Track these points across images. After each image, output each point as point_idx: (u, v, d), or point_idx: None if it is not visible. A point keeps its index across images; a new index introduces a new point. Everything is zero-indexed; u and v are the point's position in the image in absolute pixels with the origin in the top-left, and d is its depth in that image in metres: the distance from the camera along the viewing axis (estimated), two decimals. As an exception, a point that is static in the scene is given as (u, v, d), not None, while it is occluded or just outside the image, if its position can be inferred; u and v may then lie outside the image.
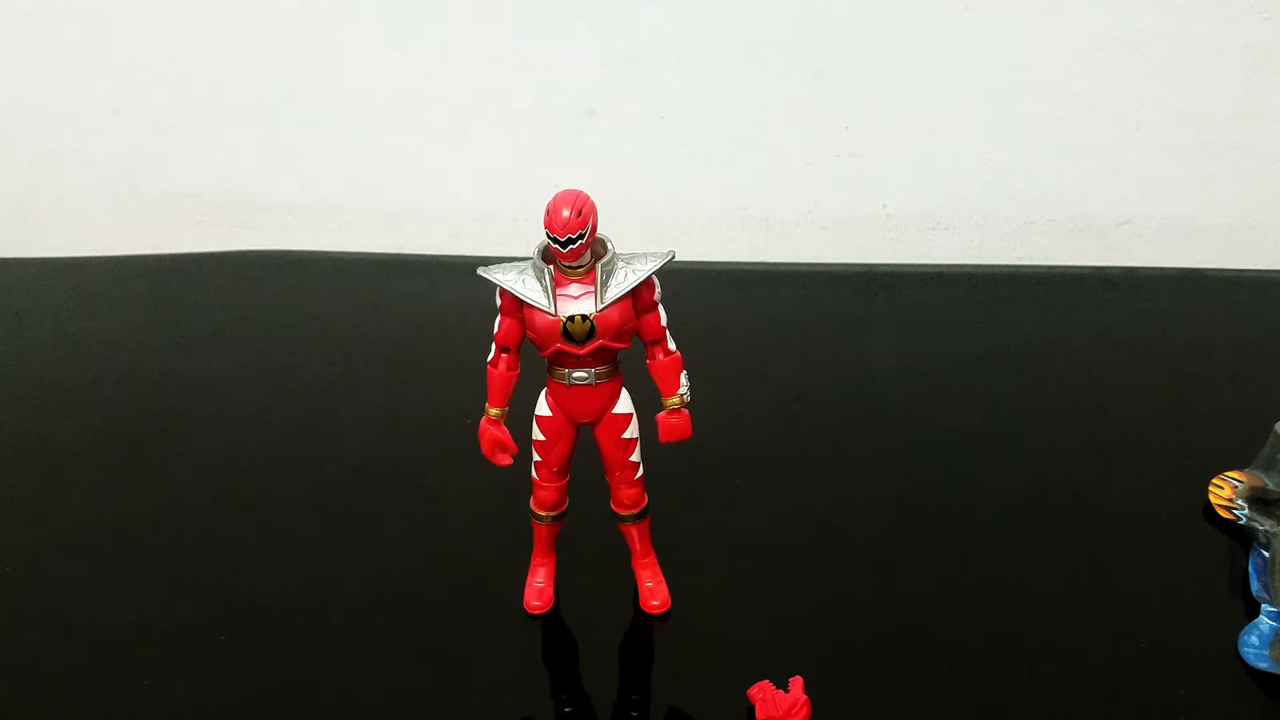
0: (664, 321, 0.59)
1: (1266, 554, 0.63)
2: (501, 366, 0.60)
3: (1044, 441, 0.79)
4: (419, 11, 1.04)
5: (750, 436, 0.80)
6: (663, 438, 0.60)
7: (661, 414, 0.60)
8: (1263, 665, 0.60)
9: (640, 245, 0.60)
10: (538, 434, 0.61)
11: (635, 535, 0.65)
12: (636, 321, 0.58)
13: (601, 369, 0.59)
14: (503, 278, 0.58)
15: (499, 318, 0.59)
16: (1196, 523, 0.71)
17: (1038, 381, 0.86)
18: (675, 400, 0.60)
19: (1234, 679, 0.60)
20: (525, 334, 0.59)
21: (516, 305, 0.58)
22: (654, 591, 0.66)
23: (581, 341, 0.57)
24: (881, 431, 0.81)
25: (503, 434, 0.61)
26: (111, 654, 0.64)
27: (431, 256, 1.10)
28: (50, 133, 1.15)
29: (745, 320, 0.98)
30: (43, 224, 1.19)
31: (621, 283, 0.57)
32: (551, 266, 0.57)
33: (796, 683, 0.59)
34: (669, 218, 1.10)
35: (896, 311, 0.97)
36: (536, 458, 0.62)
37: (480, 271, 0.58)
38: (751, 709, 0.58)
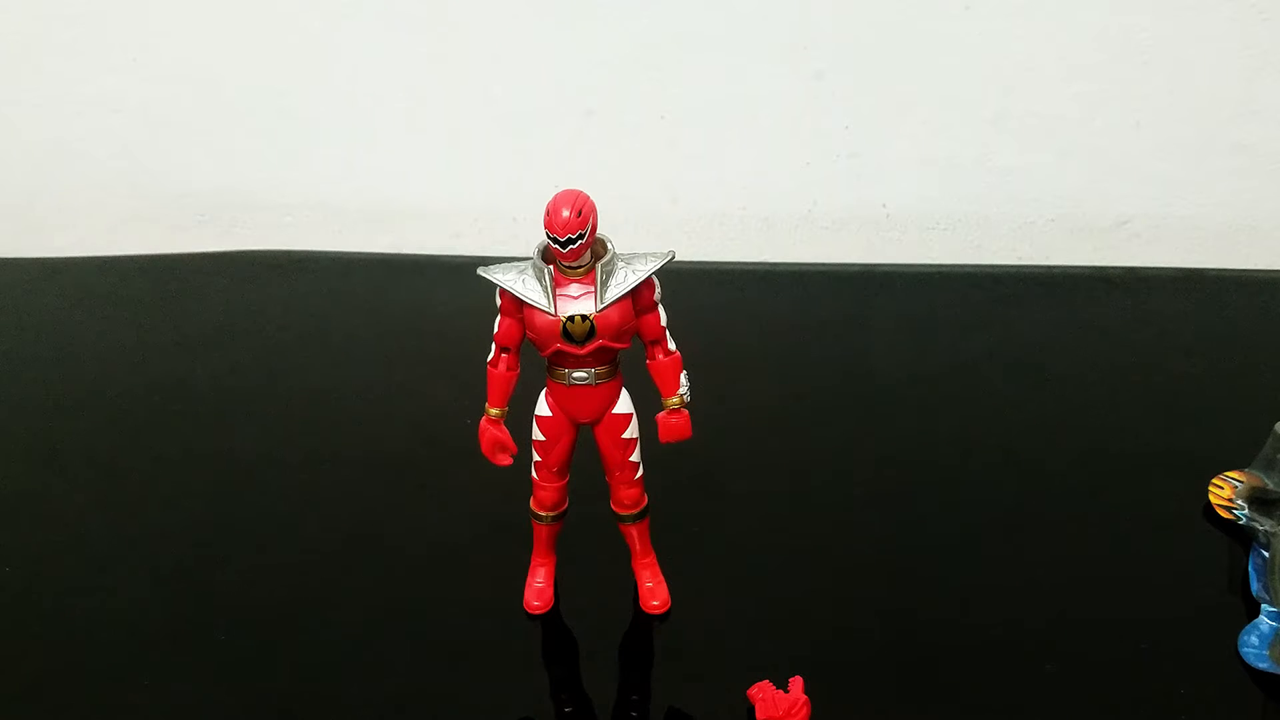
0: (664, 321, 0.59)
1: (1266, 554, 0.63)
2: (501, 366, 0.60)
3: (1044, 441, 0.79)
4: (419, 11, 1.04)
5: (750, 436, 0.80)
6: (663, 438, 0.60)
7: (661, 414, 0.60)
8: (1263, 665, 0.60)
9: (640, 245, 0.60)
10: (538, 434, 0.61)
11: (635, 535, 0.65)
12: (636, 321, 0.58)
13: (601, 369, 0.59)
14: (503, 278, 0.58)
15: (499, 318, 0.59)
16: (1196, 523, 0.71)
17: (1038, 381, 0.86)
18: (675, 400, 0.60)
19: (1234, 679, 0.60)
20: (525, 334, 0.59)
21: (516, 305, 0.58)
22: (654, 591, 0.66)
23: (581, 341, 0.57)
24: (881, 431, 0.81)
25: (503, 434, 0.61)
26: (111, 654, 0.64)
27: (431, 256, 1.10)
28: (50, 133, 1.15)
29: (745, 320, 0.98)
30: (43, 224, 1.19)
31: (621, 283, 0.57)
32: (551, 266, 0.57)
33: (796, 683, 0.59)
34: (669, 218, 1.10)
35: (896, 311, 0.97)
36: (536, 458, 0.62)
37: (480, 271, 0.58)
38: (751, 709, 0.58)
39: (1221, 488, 0.70)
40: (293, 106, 1.10)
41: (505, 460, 0.61)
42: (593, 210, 0.55)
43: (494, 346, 0.60)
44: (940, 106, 1.02)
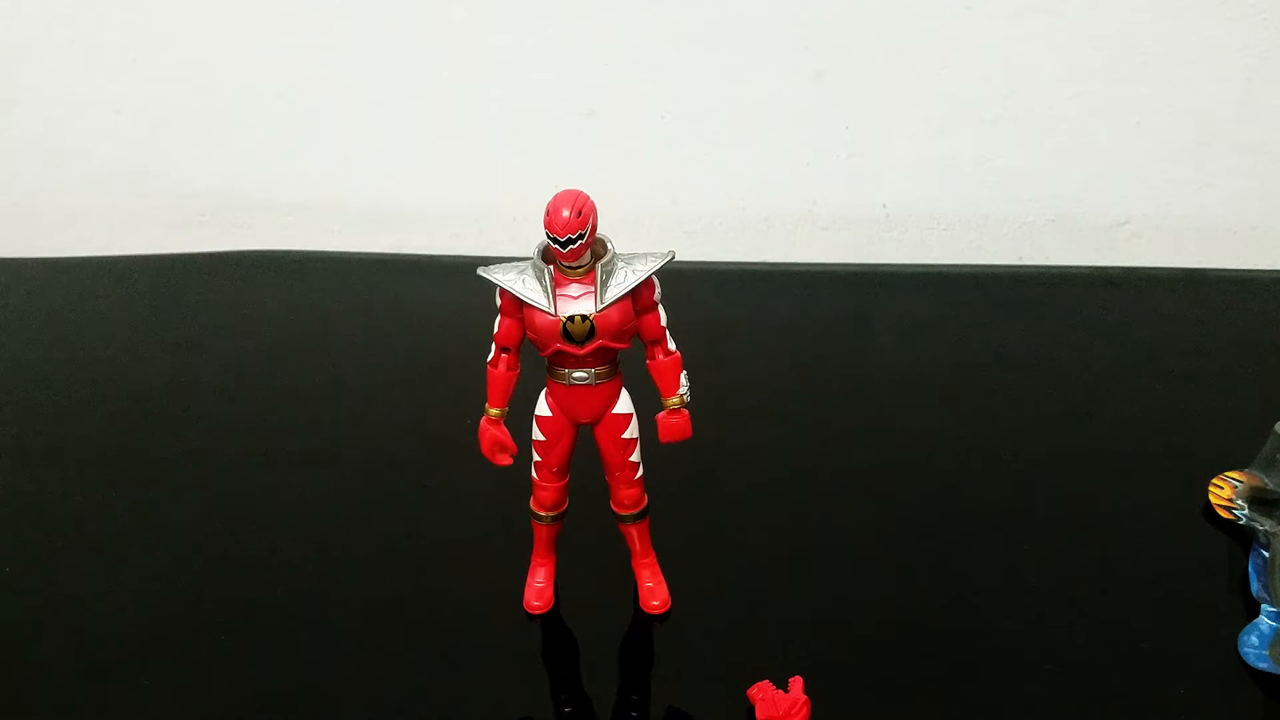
0: (664, 321, 0.59)
1: (1266, 554, 0.63)
2: (501, 366, 0.60)
3: (1044, 441, 0.79)
4: (419, 11, 1.04)
5: (750, 437, 0.80)
6: (663, 438, 0.60)
7: (661, 414, 0.60)
8: (1263, 665, 0.60)
9: (640, 245, 0.60)
10: (538, 434, 0.61)
11: (635, 535, 0.65)
12: (636, 321, 0.58)
13: (601, 369, 0.59)
14: (503, 278, 0.58)
15: (499, 318, 0.59)
16: (1196, 523, 0.71)
17: (1037, 381, 0.86)
18: (675, 400, 0.60)
19: (1234, 679, 0.60)
20: (525, 334, 0.59)
21: (516, 305, 0.58)
22: (654, 591, 0.66)
23: (581, 341, 0.57)
24: (881, 432, 0.81)
25: (503, 434, 0.61)
26: (111, 654, 0.64)
27: (431, 256, 1.10)
28: (50, 133, 1.15)
29: (745, 320, 0.98)
30: (43, 224, 1.19)
31: (621, 283, 0.57)
32: (551, 266, 0.57)
33: (796, 683, 0.59)
34: (669, 218, 1.10)
35: (896, 311, 0.97)
36: (536, 458, 0.62)
37: (480, 271, 0.58)
38: (751, 709, 0.58)
39: (1221, 488, 0.70)
40: (293, 106, 1.10)
41: (505, 460, 0.61)
42: (593, 210, 0.55)
43: (494, 346, 0.60)
44: (940, 106, 1.02)
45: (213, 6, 1.06)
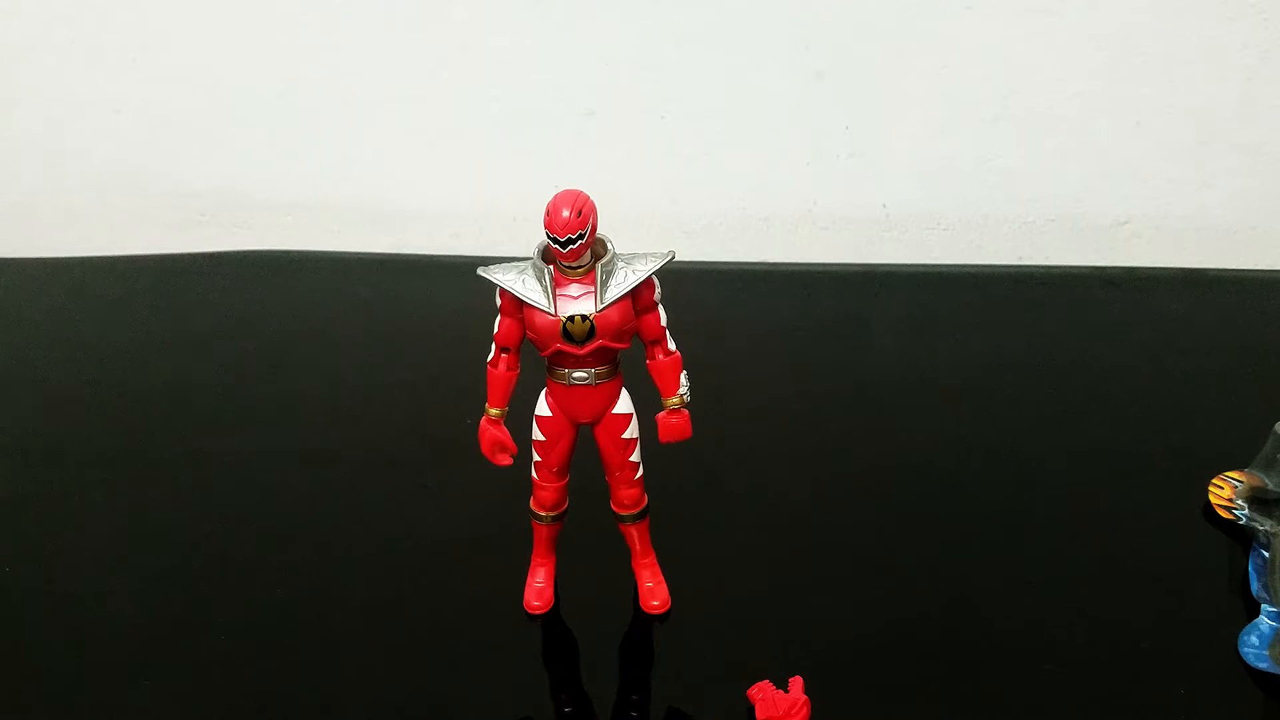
0: (664, 321, 0.59)
1: (1266, 554, 0.63)
2: (501, 366, 0.60)
3: (1043, 441, 0.79)
4: (419, 11, 1.04)
5: (750, 437, 0.80)
6: (663, 438, 0.60)
7: (661, 414, 0.60)
8: (1263, 665, 0.60)
9: (640, 245, 0.60)
10: (538, 434, 0.61)
11: (635, 535, 0.65)
12: (636, 321, 0.58)
13: (601, 369, 0.59)
14: (503, 278, 0.58)
15: (499, 318, 0.59)
16: (1196, 523, 0.71)
17: (1037, 381, 0.86)
18: (675, 400, 0.60)
19: (1234, 679, 0.60)
20: (525, 334, 0.59)
21: (516, 305, 0.58)
22: (654, 591, 0.66)
23: (581, 341, 0.57)
24: (881, 432, 0.81)
25: (503, 434, 0.61)
26: (111, 654, 0.64)
27: (431, 256, 1.10)
28: (50, 133, 1.15)
29: (745, 320, 0.98)
30: (43, 224, 1.19)
31: (621, 283, 0.57)
32: (551, 266, 0.57)
33: (796, 683, 0.59)
34: (669, 218, 1.10)
35: (896, 311, 0.97)
36: (536, 458, 0.62)
37: (480, 271, 0.58)
38: (751, 709, 0.58)
39: (1221, 488, 0.70)
40: (293, 106, 1.10)
41: (505, 460, 0.61)
42: (593, 210, 0.55)
43: (494, 346, 0.60)
44: (940, 106, 1.03)
45: (213, 6, 1.06)
